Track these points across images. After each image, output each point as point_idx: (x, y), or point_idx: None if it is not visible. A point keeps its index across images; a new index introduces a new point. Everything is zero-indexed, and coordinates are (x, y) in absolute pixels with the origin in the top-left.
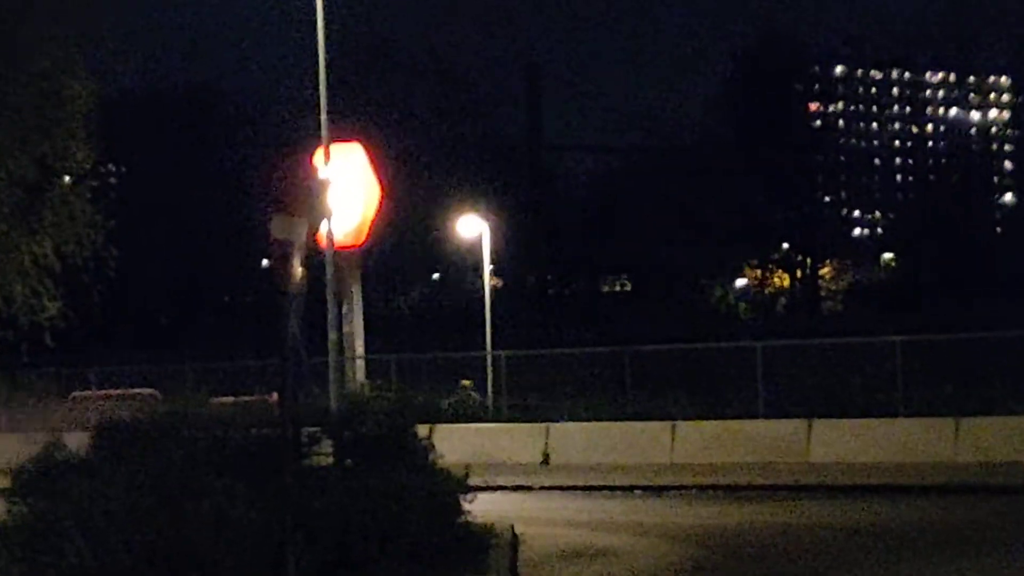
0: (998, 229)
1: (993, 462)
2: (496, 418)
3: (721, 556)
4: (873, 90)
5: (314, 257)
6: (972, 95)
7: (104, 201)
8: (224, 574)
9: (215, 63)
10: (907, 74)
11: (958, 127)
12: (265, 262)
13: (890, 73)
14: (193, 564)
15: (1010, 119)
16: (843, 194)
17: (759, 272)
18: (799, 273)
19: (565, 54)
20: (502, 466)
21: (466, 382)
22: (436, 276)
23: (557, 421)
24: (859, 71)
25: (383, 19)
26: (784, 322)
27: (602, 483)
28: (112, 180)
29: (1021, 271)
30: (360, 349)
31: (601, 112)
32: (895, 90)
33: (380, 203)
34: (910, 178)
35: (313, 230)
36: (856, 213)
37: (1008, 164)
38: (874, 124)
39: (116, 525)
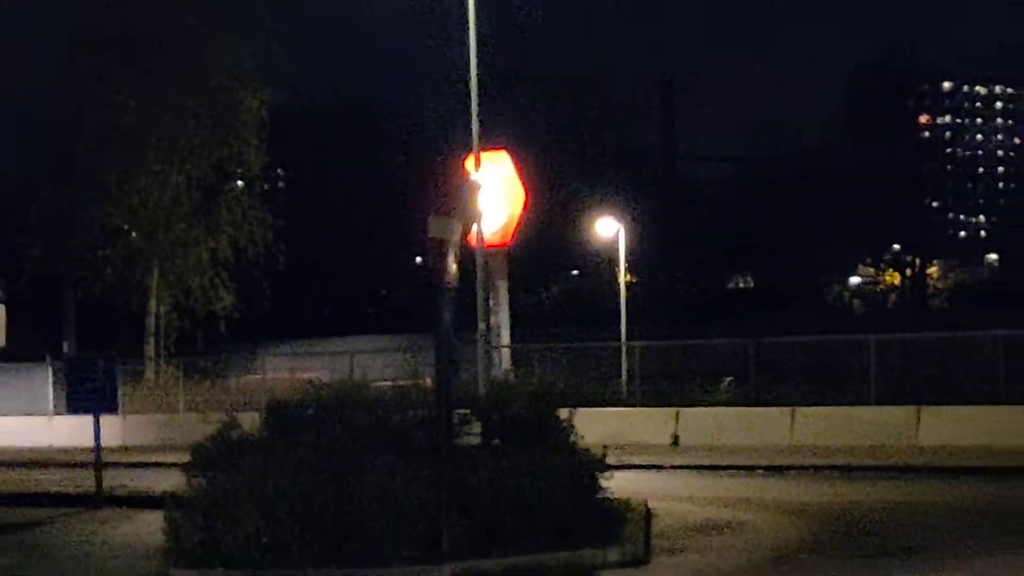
0: None
1: None
2: (630, 403)
3: (836, 530)
4: (978, 104)
5: (465, 254)
6: None
7: (273, 202)
8: (384, 545)
9: (376, 80)
10: (1009, 89)
11: None
12: (419, 259)
13: (993, 89)
14: (356, 535)
15: None
16: (950, 199)
17: (872, 270)
18: (909, 272)
19: (697, 71)
20: (636, 447)
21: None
22: (575, 272)
23: (686, 406)
24: (965, 87)
25: (526, 40)
26: (894, 317)
27: (727, 463)
28: (280, 184)
29: None
30: (506, 338)
31: (730, 124)
32: (998, 104)
33: (524, 205)
34: (1012, 185)
35: (466, 230)
36: (961, 217)
37: None
38: (978, 135)
39: (286, 498)
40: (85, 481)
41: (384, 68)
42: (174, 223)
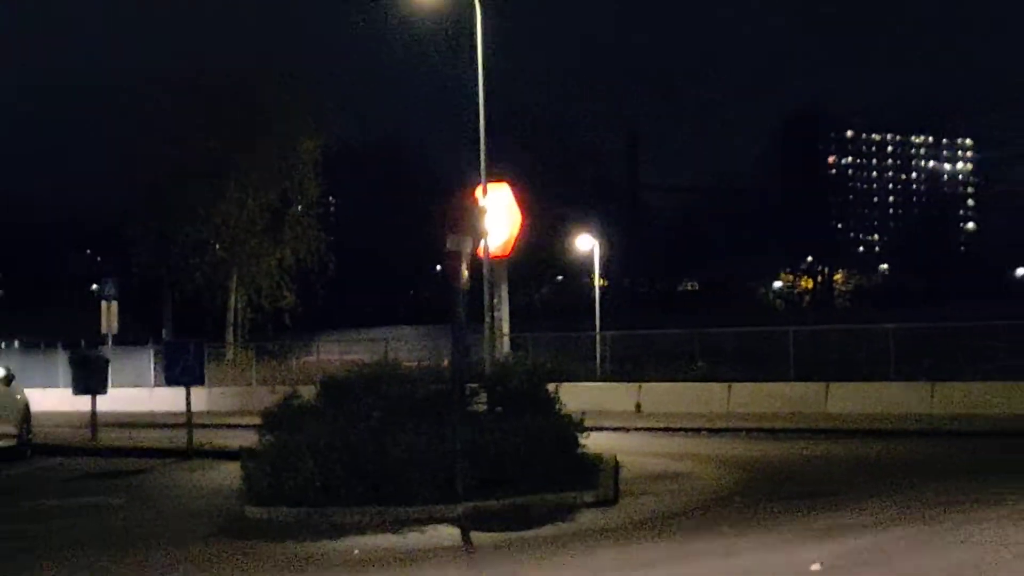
0: (962, 248)
1: (958, 415)
2: (603, 378)
3: (763, 478)
4: (873, 148)
5: (475, 264)
6: (946, 152)
7: (326, 222)
8: (412, 488)
9: (405, 122)
10: (898, 136)
11: (935, 175)
12: (438, 267)
13: (886, 136)
14: (390, 481)
15: (972, 169)
16: (851, 222)
17: (791, 277)
18: (819, 278)
19: (657, 117)
20: (607, 413)
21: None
22: (560, 278)
23: (646, 381)
24: (863, 134)
25: (522, 92)
26: (808, 313)
27: (678, 426)
28: (332, 208)
29: (979, 280)
30: (506, 329)
31: (682, 161)
32: (889, 148)
33: (521, 226)
34: (900, 211)
35: (475, 245)
36: (860, 235)
37: (970, 201)
38: (874, 172)
39: (336, 453)
40: (178, 439)
41: (412, 113)
42: (249, 239)
